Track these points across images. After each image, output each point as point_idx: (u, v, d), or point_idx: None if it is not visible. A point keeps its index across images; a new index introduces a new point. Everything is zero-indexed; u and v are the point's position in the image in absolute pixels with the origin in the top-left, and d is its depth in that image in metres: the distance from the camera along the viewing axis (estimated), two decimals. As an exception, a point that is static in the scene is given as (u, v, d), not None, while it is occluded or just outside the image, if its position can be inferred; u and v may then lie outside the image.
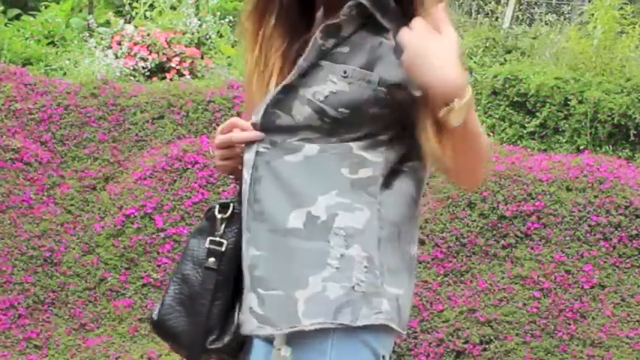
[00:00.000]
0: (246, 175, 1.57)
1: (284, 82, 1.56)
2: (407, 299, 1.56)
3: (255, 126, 1.57)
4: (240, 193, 1.66)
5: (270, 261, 1.51)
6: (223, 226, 1.62)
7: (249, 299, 1.52)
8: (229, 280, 1.60)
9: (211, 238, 1.62)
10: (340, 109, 1.51)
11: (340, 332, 1.46)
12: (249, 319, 1.52)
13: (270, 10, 1.60)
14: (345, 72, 1.51)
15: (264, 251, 1.52)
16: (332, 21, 1.55)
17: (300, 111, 1.52)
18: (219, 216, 1.62)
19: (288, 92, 1.55)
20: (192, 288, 1.62)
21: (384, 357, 1.50)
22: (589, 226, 3.88)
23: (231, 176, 1.72)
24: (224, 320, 1.60)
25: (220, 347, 1.60)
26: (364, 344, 1.48)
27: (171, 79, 5.58)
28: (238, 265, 1.60)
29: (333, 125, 1.51)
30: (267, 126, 1.56)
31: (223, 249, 1.60)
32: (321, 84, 1.52)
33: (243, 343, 1.62)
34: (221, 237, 1.61)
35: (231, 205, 1.63)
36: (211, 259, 1.60)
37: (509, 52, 6.11)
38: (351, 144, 1.51)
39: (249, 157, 1.57)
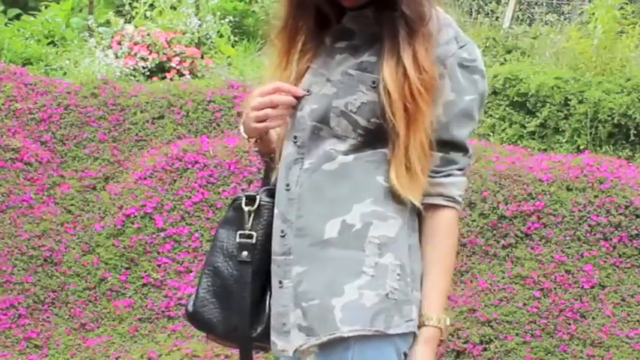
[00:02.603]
0: (286, 190, 1.58)
1: (314, 89, 1.58)
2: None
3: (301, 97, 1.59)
4: (264, 184, 1.69)
5: (311, 273, 1.54)
6: (251, 218, 1.63)
7: (295, 316, 1.55)
8: (260, 271, 1.63)
9: (241, 232, 1.63)
10: (372, 120, 1.53)
11: (369, 339, 1.50)
12: (298, 334, 1.54)
13: (300, 29, 1.62)
14: (373, 82, 1.53)
15: (306, 266, 1.55)
16: (344, 25, 1.58)
17: (337, 123, 1.55)
18: (246, 209, 1.64)
19: (321, 102, 1.57)
20: (225, 281, 1.64)
21: (405, 354, 1.56)
22: (589, 226, 3.88)
23: (254, 148, 1.72)
24: (257, 310, 1.63)
25: (255, 336, 1.62)
26: (393, 347, 1.53)
27: (171, 79, 5.58)
28: (269, 254, 1.62)
29: (367, 136, 1.54)
30: (308, 140, 1.58)
31: (254, 241, 1.62)
32: (352, 94, 1.54)
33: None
34: (250, 230, 1.63)
35: (258, 197, 1.64)
36: (244, 253, 1.62)
37: (509, 51, 6.11)
38: (385, 150, 1.54)
39: (294, 173, 1.59)
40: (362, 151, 1.54)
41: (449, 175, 1.57)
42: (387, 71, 1.50)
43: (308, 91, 1.59)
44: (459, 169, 1.58)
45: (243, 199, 1.65)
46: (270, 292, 1.62)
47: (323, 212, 1.54)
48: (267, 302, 1.62)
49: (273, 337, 1.59)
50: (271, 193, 1.66)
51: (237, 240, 1.63)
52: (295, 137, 1.59)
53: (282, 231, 1.58)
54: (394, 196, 1.54)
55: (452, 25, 1.57)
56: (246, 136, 1.67)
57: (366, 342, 1.50)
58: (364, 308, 1.49)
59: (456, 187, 1.57)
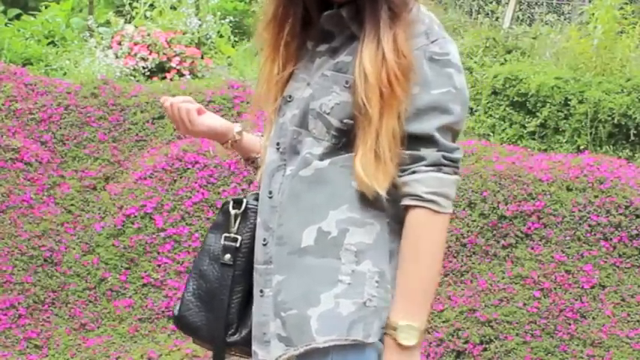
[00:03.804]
0: (268, 198, 1.57)
1: (296, 94, 1.58)
2: None
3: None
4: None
5: (289, 282, 1.53)
6: (237, 222, 1.64)
7: (275, 326, 1.53)
8: (246, 274, 1.63)
9: (226, 234, 1.64)
10: (345, 121, 1.51)
11: (347, 348, 1.48)
12: (277, 344, 1.53)
13: (289, 19, 1.61)
14: (347, 82, 1.51)
15: (285, 274, 1.54)
16: (322, 28, 1.57)
17: (314, 125, 1.54)
18: (232, 212, 1.65)
19: (301, 106, 1.57)
20: (209, 283, 1.65)
21: None
22: (589, 226, 3.88)
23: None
24: (242, 314, 1.63)
25: (238, 340, 1.63)
26: (375, 354, 1.50)
27: (171, 79, 5.58)
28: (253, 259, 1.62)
29: (340, 138, 1.52)
30: (290, 145, 1.57)
31: (238, 245, 1.63)
32: (327, 95, 1.53)
33: None
34: (235, 233, 1.64)
35: (244, 200, 1.65)
36: (227, 256, 1.63)
37: (509, 52, 6.11)
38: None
39: (276, 180, 1.57)
40: (337, 155, 1.52)
41: (414, 172, 1.49)
42: (367, 54, 1.47)
43: (290, 97, 1.59)
44: (428, 165, 1.49)
45: (231, 202, 1.66)
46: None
47: (300, 220, 1.52)
48: (251, 310, 1.61)
49: (254, 347, 1.58)
50: (258, 197, 1.66)
51: (222, 242, 1.64)
52: (278, 144, 1.58)
53: (265, 239, 1.57)
54: (372, 201, 1.50)
55: (426, 22, 1.53)
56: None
57: (345, 351, 1.48)
58: (340, 317, 1.47)
59: (422, 183, 1.48)
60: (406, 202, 1.50)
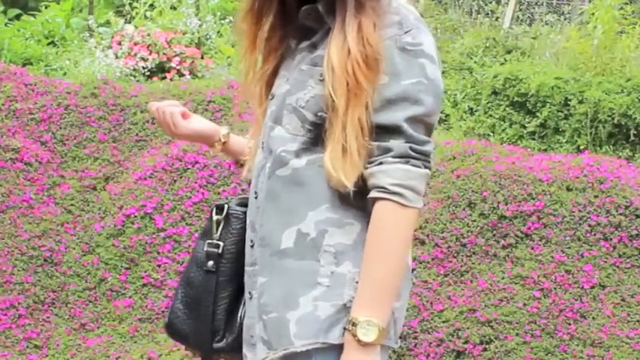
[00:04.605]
0: (255, 198, 1.57)
1: (276, 92, 1.57)
2: (402, 310, 1.56)
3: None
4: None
5: (271, 285, 1.52)
6: (220, 227, 1.63)
7: (259, 328, 1.53)
8: (232, 280, 1.61)
9: (209, 240, 1.63)
10: (319, 114, 1.49)
11: (328, 350, 1.46)
12: (262, 347, 1.52)
13: (266, 10, 1.60)
14: (321, 75, 1.49)
15: (267, 276, 1.53)
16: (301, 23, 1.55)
17: (289, 120, 1.52)
18: (215, 218, 1.64)
19: (278, 102, 1.56)
20: (195, 290, 1.64)
21: None
22: (589, 226, 3.88)
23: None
24: (229, 320, 1.61)
25: (224, 347, 1.61)
26: None
27: (171, 79, 5.58)
28: (241, 264, 1.61)
29: (314, 132, 1.50)
30: (267, 142, 1.56)
31: (220, 251, 1.61)
32: (303, 89, 1.51)
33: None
34: (218, 239, 1.63)
35: (226, 206, 1.64)
36: (210, 262, 1.62)
37: (509, 52, 6.11)
38: None
39: (260, 179, 1.56)
40: (313, 152, 1.50)
41: (380, 164, 1.44)
42: (334, 45, 1.45)
43: (272, 95, 1.58)
44: (395, 157, 1.44)
45: (214, 208, 1.65)
46: (243, 302, 1.61)
47: (280, 221, 1.51)
48: (241, 312, 1.61)
49: (244, 349, 1.58)
50: (243, 202, 1.65)
51: (205, 249, 1.63)
52: (262, 143, 1.58)
53: (252, 241, 1.56)
54: (351, 201, 1.48)
55: (402, 12, 1.50)
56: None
57: (327, 353, 1.46)
58: (319, 320, 1.46)
59: (387, 175, 1.43)
60: (372, 194, 1.45)
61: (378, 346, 1.43)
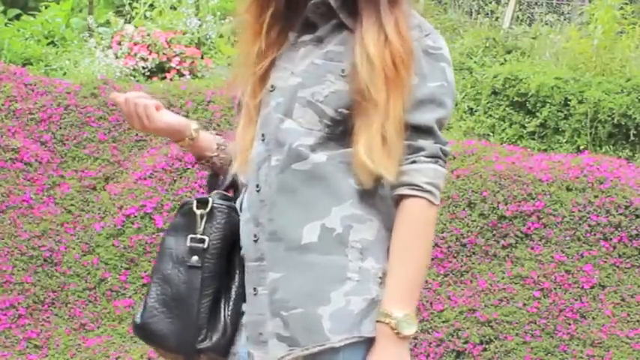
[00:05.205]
0: (257, 191, 1.54)
1: (278, 83, 1.55)
2: None
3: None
4: (210, 184, 1.67)
5: (289, 280, 1.50)
6: (204, 222, 1.59)
7: (273, 325, 1.50)
8: (215, 276, 1.58)
9: (192, 235, 1.58)
10: (340, 110, 1.49)
11: (357, 344, 1.47)
12: (277, 344, 1.50)
13: (270, 1, 1.58)
14: (343, 71, 1.50)
15: (282, 272, 1.50)
16: (305, 16, 1.54)
17: (302, 114, 1.51)
18: (198, 212, 1.59)
19: (286, 94, 1.54)
20: (175, 288, 1.58)
21: None
22: (589, 226, 3.88)
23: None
24: (211, 318, 1.58)
25: (210, 346, 1.57)
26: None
27: (171, 79, 5.58)
28: (226, 260, 1.58)
29: (333, 127, 1.50)
30: (274, 135, 1.54)
31: (205, 246, 1.57)
32: (320, 84, 1.51)
33: (230, 341, 1.59)
34: (202, 234, 1.58)
35: (210, 199, 1.61)
36: (194, 258, 1.57)
37: (509, 52, 6.11)
38: (349, 150, 1.50)
39: (262, 172, 1.54)
40: (329, 149, 1.50)
41: (413, 162, 1.49)
42: (369, 37, 1.47)
43: (272, 87, 1.56)
44: (427, 156, 1.50)
45: (194, 202, 1.61)
46: (226, 300, 1.58)
47: (298, 216, 1.50)
48: (223, 310, 1.57)
49: (249, 348, 1.55)
50: (225, 197, 1.62)
51: (188, 244, 1.58)
52: (263, 135, 1.55)
53: (255, 235, 1.53)
54: (370, 198, 1.51)
55: (417, 16, 1.55)
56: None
57: (355, 347, 1.47)
58: (352, 315, 1.47)
59: (421, 174, 1.49)
60: (403, 191, 1.49)
61: (410, 338, 1.48)
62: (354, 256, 1.49)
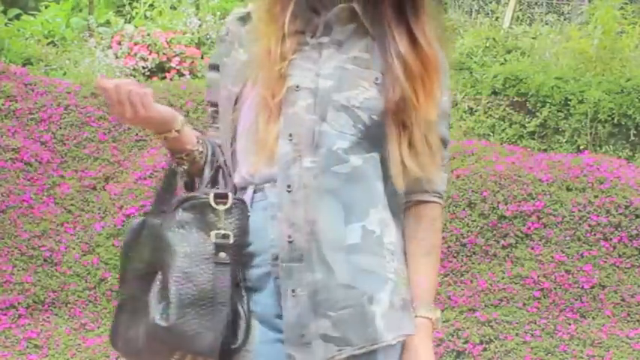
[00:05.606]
0: (288, 192, 1.52)
1: (304, 83, 1.53)
2: None
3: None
4: (186, 184, 1.66)
5: (335, 280, 1.49)
6: (223, 217, 1.54)
7: (318, 326, 1.49)
8: (234, 274, 1.54)
9: (216, 231, 1.53)
10: (373, 116, 1.52)
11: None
12: (323, 345, 1.49)
13: (290, 2, 1.56)
14: (377, 79, 1.52)
15: (325, 273, 1.49)
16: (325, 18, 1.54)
17: (336, 117, 1.51)
18: (220, 208, 1.54)
19: (317, 96, 1.53)
20: (201, 286, 1.51)
21: None
22: (589, 226, 3.88)
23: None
24: (234, 318, 1.54)
25: (240, 344, 1.53)
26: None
27: (171, 79, 5.58)
28: (243, 257, 1.55)
29: (365, 133, 1.52)
30: (306, 136, 1.53)
31: (231, 241, 1.53)
32: (354, 89, 1.52)
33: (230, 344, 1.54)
34: (225, 229, 1.53)
35: (230, 194, 1.55)
36: (222, 254, 1.52)
37: (509, 52, 6.11)
38: (376, 155, 1.53)
39: (293, 172, 1.52)
40: (361, 153, 1.52)
41: None
42: (403, 45, 1.52)
43: (297, 87, 1.54)
44: (444, 166, 1.60)
45: (212, 196, 1.55)
46: (243, 299, 1.54)
47: (339, 217, 1.50)
48: (242, 309, 1.54)
49: (289, 350, 1.51)
50: (220, 195, 1.56)
51: (214, 240, 1.52)
52: (290, 135, 1.52)
53: (290, 236, 1.50)
54: (392, 202, 1.56)
55: None
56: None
57: (393, 346, 1.52)
58: (398, 314, 1.52)
59: (443, 182, 1.60)
60: (425, 197, 1.58)
61: None
62: (390, 258, 1.54)
